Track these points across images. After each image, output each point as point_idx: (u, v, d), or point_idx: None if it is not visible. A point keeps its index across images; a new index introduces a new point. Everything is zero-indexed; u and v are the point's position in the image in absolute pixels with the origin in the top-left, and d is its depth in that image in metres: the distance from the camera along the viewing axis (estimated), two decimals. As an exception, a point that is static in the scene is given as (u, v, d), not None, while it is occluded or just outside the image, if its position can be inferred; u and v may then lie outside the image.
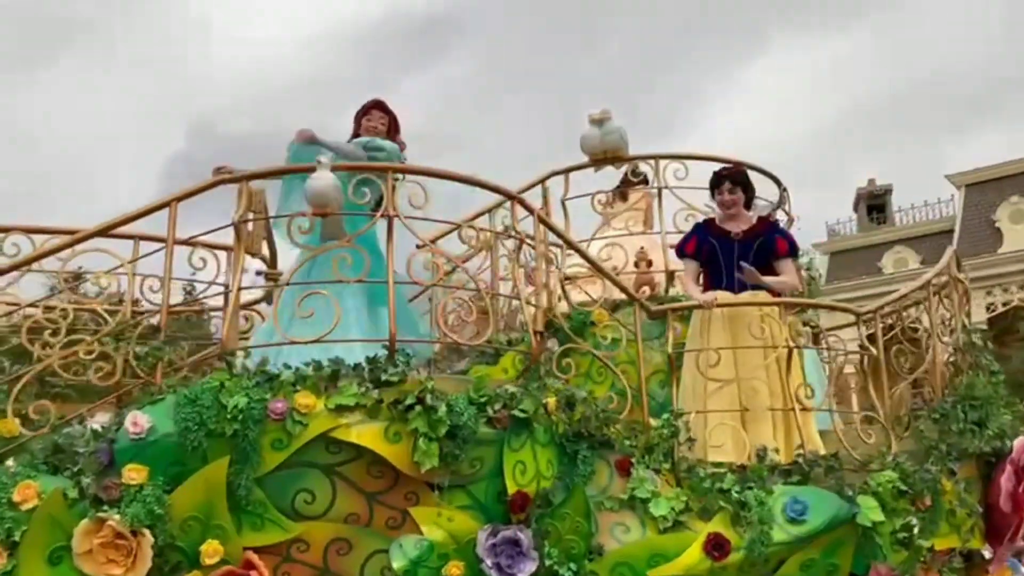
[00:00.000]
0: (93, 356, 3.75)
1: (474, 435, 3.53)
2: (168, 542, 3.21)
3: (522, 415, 3.63)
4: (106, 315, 4.24)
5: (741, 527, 3.75)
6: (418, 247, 3.83)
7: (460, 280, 4.53)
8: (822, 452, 4.18)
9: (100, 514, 3.14)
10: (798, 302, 4.81)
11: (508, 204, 4.29)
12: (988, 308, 21.14)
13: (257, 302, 4.92)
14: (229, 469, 3.30)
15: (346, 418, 3.43)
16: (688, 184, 5.65)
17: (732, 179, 4.96)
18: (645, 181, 6.21)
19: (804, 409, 4.33)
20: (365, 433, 3.44)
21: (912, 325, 5.21)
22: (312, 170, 3.75)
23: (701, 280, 4.99)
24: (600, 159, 5.87)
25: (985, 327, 13.99)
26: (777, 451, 4.15)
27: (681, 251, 4.99)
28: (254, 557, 3.34)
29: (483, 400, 3.61)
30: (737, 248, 4.81)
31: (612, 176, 6.23)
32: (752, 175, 5.90)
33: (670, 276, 5.74)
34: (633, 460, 3.91)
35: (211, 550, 3.27)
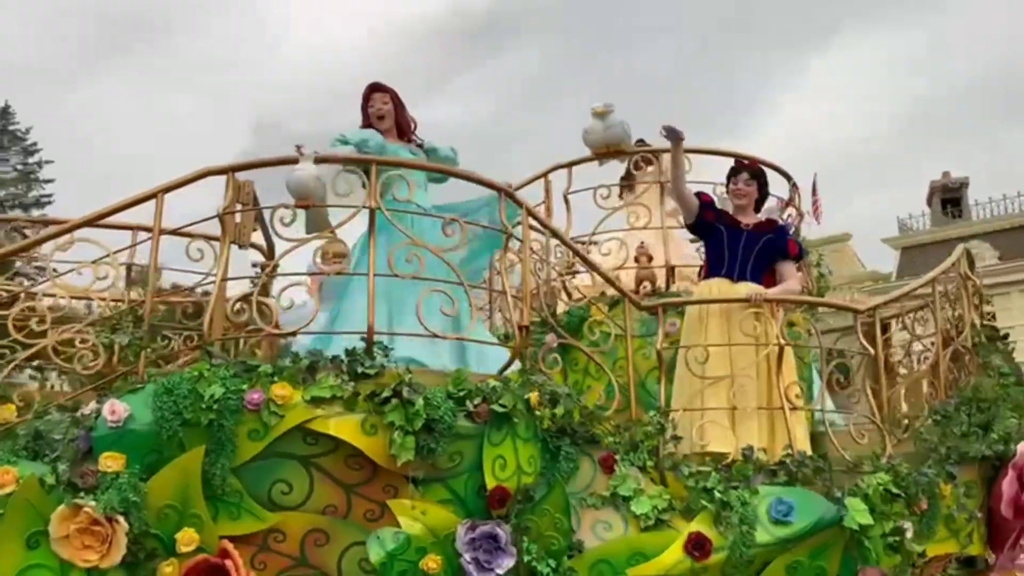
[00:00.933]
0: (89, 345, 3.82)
1: (452, 429, 3.52)
2: (143, 529, 3.24)
3: (501, 410, 3.61)
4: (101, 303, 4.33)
5: (723, 527, 3.70)
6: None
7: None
8: (809, 452, 4.10)
9: (76, 500, 3.18)
10: (793, 300, 4.72)
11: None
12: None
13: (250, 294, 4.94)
14: (205, 458, 3.33)
15: (323, 410, 3.44)
16: (692, 179, 5.56)
17: (751, 172, 4.94)
18: (650, 161, 6.20)
19: (793, 408, 4.25)
20: (342, 425, 3.45)
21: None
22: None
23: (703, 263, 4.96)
24: (603, 152, 5.81)
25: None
26: (764, 451, 4.08)
27: (698, 197, 4.93)
28: (229, 546, 3.36)
29: (462, 394, 3.60)
30: (745, 239, 4.77)
31: (614, 170, 6.17)
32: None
33: (671, 271, 5.68)
34: (617, 457, 3.87)
35: (187, 538, 3.30)
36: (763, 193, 5.05)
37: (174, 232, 3.88)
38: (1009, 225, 23.08)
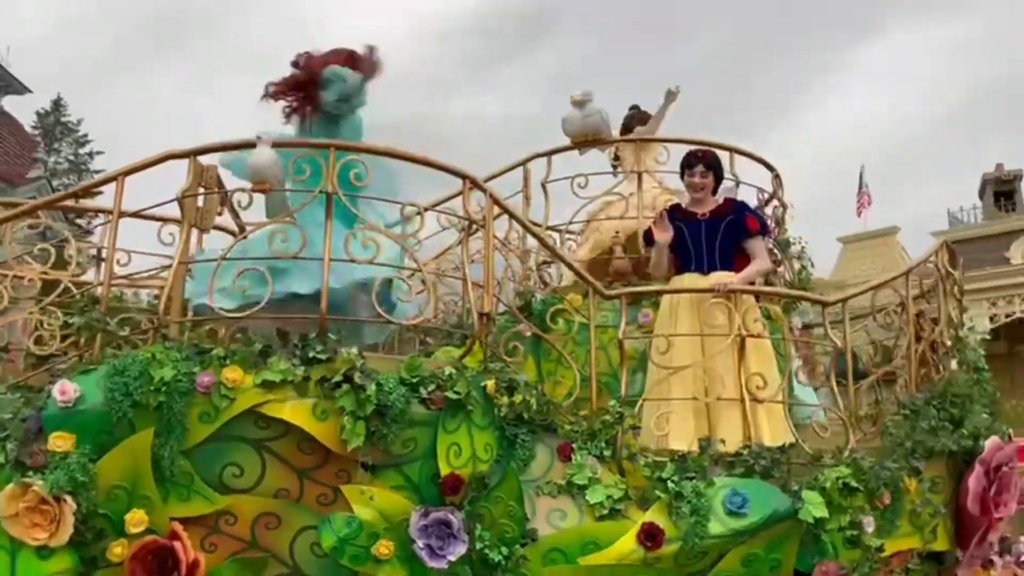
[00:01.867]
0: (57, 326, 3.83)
1: (404, 415, 3.51)
2: (92, 510, 3.26)
3: (455, 397, 3.61)
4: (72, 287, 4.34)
5: (676, 518, 3.69)
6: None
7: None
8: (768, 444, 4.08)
9: (24, 479, 3.20)
10: (761, 291, 4.69)
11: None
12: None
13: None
14: (155, 440, 3.33)
15: (274, 394, 3.44)
16: (668, 169, 5.54)
17: (705, 162, 4.88)
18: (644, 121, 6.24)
19: (755, 400, 4.23)
20: (293, 410, 3.45)
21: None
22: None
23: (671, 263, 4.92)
24: (581, 141, 5.79)
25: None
26: (723, 442, 4.06)
27: (647, 238, 4.93)
28: (179, 527, 3.38)
29: (415, 380, 3.59)
30: (705, 229, 4.73)
31: (595, 160, 6.14)
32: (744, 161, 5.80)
33: (646, 260, 5.64)
34: (575, 446, 3.86)
35: (136, 519, 3.32)
36: (718, 181, 4.99)
37: (134, 215, 3.88)
38: (1064, 219, 22.39)
